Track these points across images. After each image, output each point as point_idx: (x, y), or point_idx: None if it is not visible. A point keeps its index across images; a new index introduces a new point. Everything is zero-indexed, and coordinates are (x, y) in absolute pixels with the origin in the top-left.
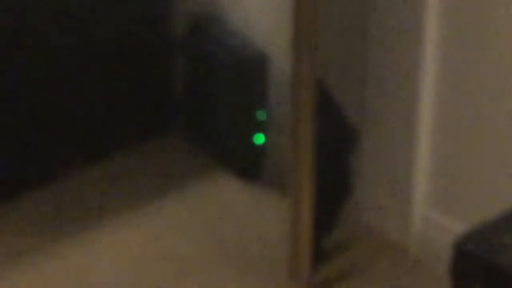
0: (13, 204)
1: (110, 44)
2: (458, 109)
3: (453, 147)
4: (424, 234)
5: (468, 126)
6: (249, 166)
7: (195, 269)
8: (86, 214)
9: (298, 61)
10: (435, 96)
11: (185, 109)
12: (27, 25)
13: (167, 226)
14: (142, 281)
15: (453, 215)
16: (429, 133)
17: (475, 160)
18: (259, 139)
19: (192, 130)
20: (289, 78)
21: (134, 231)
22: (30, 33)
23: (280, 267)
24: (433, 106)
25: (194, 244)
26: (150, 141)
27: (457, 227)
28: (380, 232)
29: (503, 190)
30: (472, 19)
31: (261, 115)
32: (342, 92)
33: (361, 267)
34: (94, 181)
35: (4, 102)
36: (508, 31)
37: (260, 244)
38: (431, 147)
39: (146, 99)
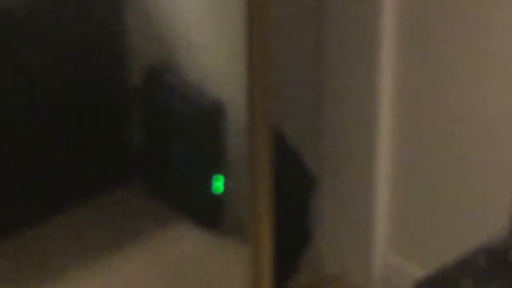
0: None
1: (66, 95)
2: (416, 154)
3: (412, 192)
4: (385, 278)
5: (427, 172)
6: (209, 215)
7: None
8: (44, 266)
9: (254, 110)
10: (393, 142)
11: (143, 159)
12: None
13: (127, 276)
14: None
15: (413, 260)
16: (388, 179)
17: (434, 205)
18: (218, 188)
19: (151, 180)
20: (246, 127)
21: (94, 282)
22: None
23: None
24: (391, 152)
25: None
26: (109, 192)
27: (418, 271)
28: (342, 277)
29: (461, 234)
30: (430, 67)
31: (219, 164)
32: (300, 139)
33: None
34: (51, 232)
35: None
36: (464, 81)
37: None
38: (390, 193)
39: (103, 150)
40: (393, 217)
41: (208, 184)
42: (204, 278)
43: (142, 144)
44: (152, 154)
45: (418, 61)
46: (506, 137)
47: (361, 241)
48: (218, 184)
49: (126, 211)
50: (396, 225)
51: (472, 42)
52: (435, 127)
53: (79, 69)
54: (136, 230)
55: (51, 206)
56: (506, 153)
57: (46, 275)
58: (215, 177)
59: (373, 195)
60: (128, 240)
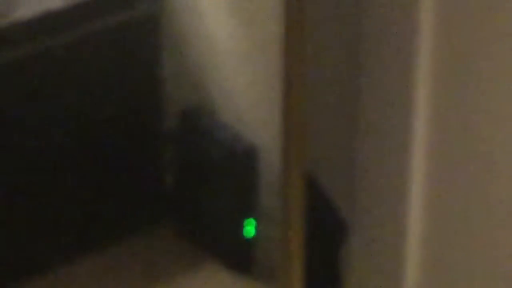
0: None
1: (99, 137)
2: (450, 199)
3: (446, 240)
4: None
5: (461, 218)
6: (239, 259)
7: None
8: None
9: (288, 154)
10: (426, 187)
11: (175, 202)
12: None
13: None
14: None
15: None
16: (421, 225)
17: (469, 255)
18: (249, 231)
19: (183, 222)
20: (279, 171)
21: None
22: (14, 130)
23: None
24: (423, 197)
25: None
26: (139, 235)
27: None
28: None
29: (497, 285)
30: (462, 119)
31: (251, 208)
32: (332, 185)
33: None
34: (81, 274)
35: None
36: (503, 120)
37: None
38: (422, 241)
39: (135, 191)
40: (424, 264)
41: (239, 227)
42: None
43: (174, 186)
44: (184, 197)
45: (455, 103)
46: None
47: (391, 287)
48: (250, 228)
49: (157, 253)
50: (427, 272)
51: None
52: (471, 175)
53: (115, 110)
54: (166, 272)
55: (82, 246)
56: None
57: None
58: (246, 220)
59: (404, 243)
60: (159, 282)
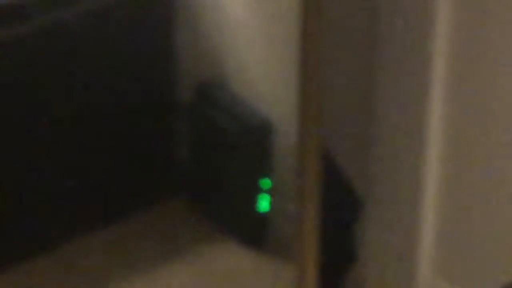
0: (15, 270)
1: (113, 110)
2: (464, 180)
3: (459, 216)
4: None
5: (475, 194)
6: (253, 234)
7: None
8: (89, 281)
9: (304, 130)
10: (440, 165)
11: (189, 176)
12: (26, 93)
13: None
14: None
15: (459, 284)
16: (435, 202)
17: (482, 229)
18: (263, 206)
19: (196, 196)
20: (294, 146)
21: None
22: (30, 100)
23: None
24: (438, 175)
25: None
26: (154, 208)
27: None
28: None
29: (509, 259)
30: (478, 92)
31: (265, 183)
32: (347, 161)
33: None
34: (98, 247)
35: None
36: None
37: None
38: (437, 216)
39: (149, 165)
40: (438, 241)
41: (254, 202)
42: None
43: (189, 160)
44: (199, 171)
45: (470, 91)
46: None
47: (405, 264)
48: (264, 202)
49: (170, 228)
50: (441, 249)
51: None
52: (484, 153)
53: (129, 84)
54: (180, 247)
55: (96, 220)
56: None
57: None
58: (261, 195)
59: (418, 219)
60: (172, 256)
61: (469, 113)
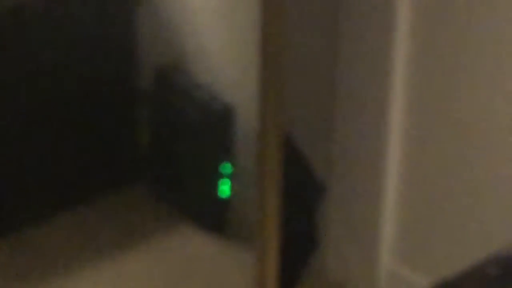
0: None
1: (74, 96)
2: (426, 163)
3: (421, 201)
4: (390, 287)
5: (436, 181)
6: (214, 219)
7: None
8: (50, 266)
9: (265, 114)
10: (403, 150)
11: (150, 161)
12: None
13: (131, 279)
14: None
15: (419, 270)
16: (396, 187)
17: (442, 214)
18: (224, 192)
19: (157, 182)
20: (255, 131)
21: (99, 283)
22: None
23: None
24: (399, 160)
25: None
26: (114, 194)
27: (423, 281)
28: (347, 285)
29: (469, 245)
30: (442, 74)
31: (226, 168)
32: (308, 145)
33: None
34: (57, 232)
35: None
36: (476, 87)
37: None
38: (398, 202)
39: (111, 151)
40: (399, 226)
41: (214, 187)
42: (208, 281)
43: (149, 146)
44: (159, 156)
45: (431, 66)
46: None
47: (366, 249)
48: (225, 187)
49: (131, 213)
50: (402, 234)
51: (486, 47)
52: (446, 136)
53: (89, 68)
54: (141, 232)
55: (56, 205)
56: None
57: (50, 273)
58: (221, 180)
59: (380, 203)
60: (133, 241)
61: (431, 95)
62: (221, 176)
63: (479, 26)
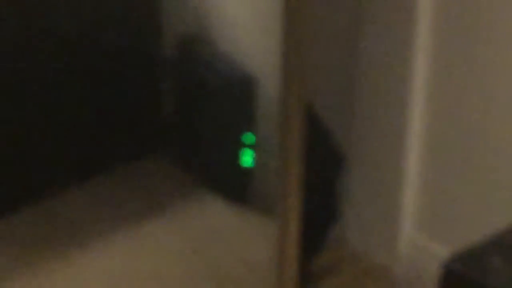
0: None
1: (96, 65)
2: (446, 133)
3: (441, 171)
4: (411, 257)
5: (456, 152)
6: (236, 189)
7: None
8: (71, 234)
9: (287, 85)
10: (424, 120)
11: (173, 131)
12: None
13: (152, 247)
14: None
15: (440, 239)
16: (417, 158)
17: (463, 185)
18: (247, 161)
19: (179, 151)
20: (277, 102)
21: (119, 252)
22: (17, 55)
23: None
24: (421, 130)
25: (179, 266)
26: (137, 162)
27: (444, 251)
28: (367, 255)
29: (491, 214)
30: (463, 54)
31: (248, 137)
32: (330, 116)
33: None
34: (79, 201)
35: None
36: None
37: (246, 267)
38: (418, 172)
39: (134, 120)
40: (420, 197)
41: (237, 157)
42: (229, 251)
43: (171, 115)
44: (182, 126)
45: (455, 50)
46: None
47: (387, 219)
48: (247, 157)
49: (154, 182)
50: (423, 204)
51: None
52: (467, 107)
53: (113, 37)
54: (163, 201)
55: (79, 173)
56: None
57: (70, 242)
58: (244, 150)
59: (401, 173)
60: (155, 210)
61: (453, 69)
62: (244, 145)
63: (503, 21)
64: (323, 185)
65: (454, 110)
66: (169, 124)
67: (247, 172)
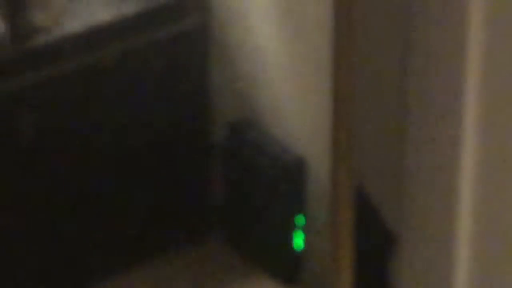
0: None
1: (148, 150)
2: (500, 215)
3: (494, 256)
4: None
5: (510, 236)
6: (288, 271)
7: None
8: None
9: (337, 167)
10: (475, 203)
11: (224, 214)
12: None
13: None
14: None
15: None
16: (469, 241)
17: None
18: (298, 244)
19: (231, 234)
20: (327, 183)
21: None
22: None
23: None
24: (472, 213)
25: None
26: (189, 247)
27: None
28: None
29: None
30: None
31: (300, 219)
32: (379, 196)
33: None
34: (132, 286)
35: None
36: None
37: None
38: (471, 256)
39: (185, 204)
40: (472, 280)
41: (288, 240)
42: None
43: (223, 198)
44: (233, 209)
45: (506, 112)
46: None
47: None
48: (299, 240)
49: (206, 265)
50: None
51: None
52: None
53: (163, 123)
54: (215, 284)
55: (129, 260)
56: None
57: None
58: (295, 233)
59: (452, 257)
60: None
61: (503, 151)
62: (295, 228)
63: None
64: (375, 266)
65: (508, 190)
66: (221, 208)
67: (298, 254)
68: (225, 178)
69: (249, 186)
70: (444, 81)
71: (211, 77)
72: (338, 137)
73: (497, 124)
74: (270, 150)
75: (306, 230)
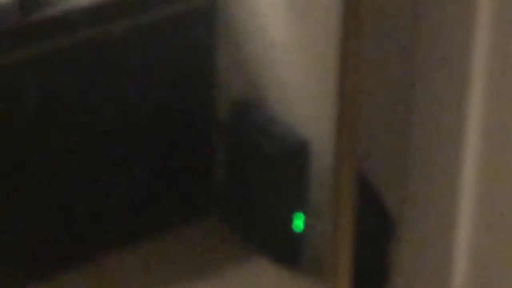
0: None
1: (151, 128)
2: (502, 201)
3: (494, 243)
4: None
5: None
6: (288, 253)
7: None
8: None
9: (340, 149)
10: (478, 188)
11: (224, 194)
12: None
13: None
14: None
15: None
16: (470, 225)
17: None
18: (298, 226)
19: (231, 214)
20: (329, 166)
21: None
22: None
23: None
24: (474, 201)
25: None
26: (188, 225)
27: None
28: None
29: None
30: None
31: (301, 202)
32: (381, 180)
33: None
34: (130, 264)
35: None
36: None
37: None
38: (472, 240)
39: (186, 183)
40: (473, 264)
41: (288, 221)
42: None
43: (223, 179)
44: (234, 190)
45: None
46: None
47: (438, 287)
48: (299, 222)
49: (205, 246)
50: (476, 272)
51: None
52: None
53: (167, 101)
54: (213, 264)
55: (131, 235)
56: None
57: None
58: (295, 215)
59: (453, 241)
60: (205, 273)
61: (508, 143)
62: (296, 210)
63: None
64: (374, 249)
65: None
66: (222, 188)
67: (298, 236)
68: (227, 158)
69: (251, 167)
70: (450, 73)
71: (217, 57)
72: (342, 120)
73: (501, 113)
74: (273, 132)
75: (306, 212)
